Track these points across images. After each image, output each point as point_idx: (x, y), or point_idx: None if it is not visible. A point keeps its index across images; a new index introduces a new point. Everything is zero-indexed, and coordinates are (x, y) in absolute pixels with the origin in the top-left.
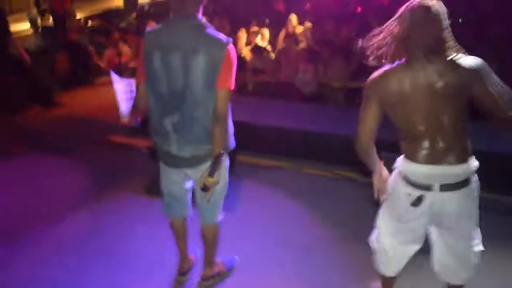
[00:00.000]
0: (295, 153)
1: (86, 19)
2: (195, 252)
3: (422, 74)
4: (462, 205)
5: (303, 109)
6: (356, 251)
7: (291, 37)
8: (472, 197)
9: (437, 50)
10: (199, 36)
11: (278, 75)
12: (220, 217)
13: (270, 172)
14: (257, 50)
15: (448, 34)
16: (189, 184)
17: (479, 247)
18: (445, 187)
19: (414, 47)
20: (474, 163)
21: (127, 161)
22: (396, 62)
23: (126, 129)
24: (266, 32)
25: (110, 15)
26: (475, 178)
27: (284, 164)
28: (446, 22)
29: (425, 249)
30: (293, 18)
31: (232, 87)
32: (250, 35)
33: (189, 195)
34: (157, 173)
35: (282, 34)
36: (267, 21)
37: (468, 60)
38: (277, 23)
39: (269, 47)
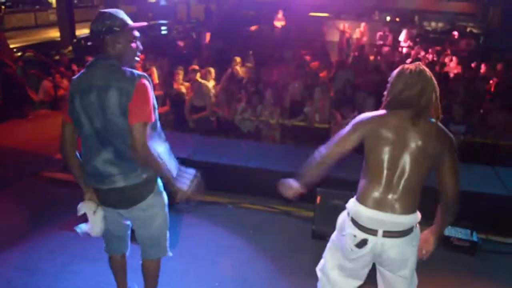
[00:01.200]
0: (234, 189)
1: (20, 50)
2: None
3: (406, 130)
4: (401, 252)
5: (241, 145)
6: (297, 282)
7: (233, 77)
8: (412, 245)
9: (423, 113)
10: (112, 74)
11: (218, 113)
12: (164, 252)
13: (209, 208)
14: (195, 86)
15: (436, 101)
16: (127, 221)
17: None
18: (387, 234)
19: (404, 105)
20: (419, 215)
21: (60, 196)
22: (390, 111)
23: (60, 164)
24: (212, 70)
25: (45, 47)
26: (417, 229)
27: (223, 199)
28: (436, 88)
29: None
30: (237, 59)
31: (150, 120)
32: (190, 73)
33: (128, 231)
34: None
35: (225, 73)
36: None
37: (447, 132)
38: (223, 63)
39: (211, 85)
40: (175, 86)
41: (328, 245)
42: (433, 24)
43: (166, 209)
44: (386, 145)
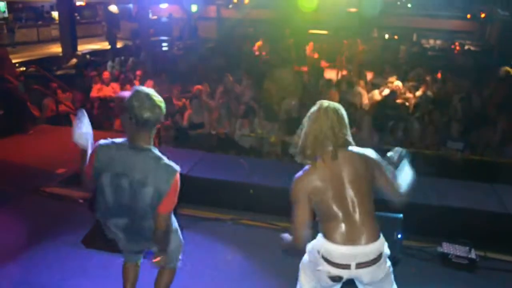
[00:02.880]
0: (235, 205)
1: (23, 65)
2: None
3: (333, 170)
4: (375, 276)
5: (241, 162)
6: None
7: (229, 93)
8: (384, 267)
9: (343, 144)
10: (149, 168)
11: (217, 129)
12: (177, 262)
13: (210, 224)
14: (193, 99)
15: (346, 130)
16: None
17: None
18: (360, 265)
19: (326, 142)
20: (383, 239)
21: (61, 212)
22: (314, 159)
23: (62, 179)
24: (207, 86)
25: (46, 62)
26: (385, 251)
27: (223, 215)
28: (345, 118)
29: None
30: (230, 76)
31: (171, 209)
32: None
33: None
34: (94, 224)
35: (220, 89)
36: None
37: (365, 150)
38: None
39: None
40: (174, 102)
41: (301, 269)
42: (431, 41)
43: (179, 233)
44: (326, 192)
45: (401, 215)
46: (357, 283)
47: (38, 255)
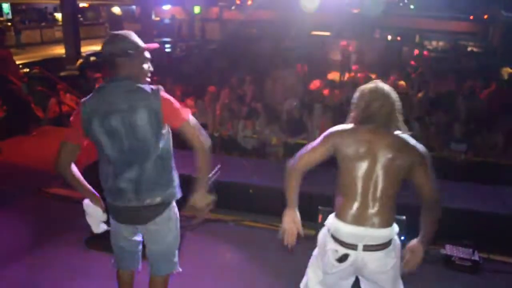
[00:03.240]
0: (236, 206)
1: (26, 66)
2: None
3: (375, 144)
4: (381, 265)
5: (243, 163)
6: None
7: (230, 94)
8: (392, 257)
9: (387, 125)
10: (134, 94)
11: (220, 130)
12: (174, 267)
13: (212, 225)
14: (199, 104)
15: (398, 114)
16: (139, 237)
17: None
18: (367, 247)
19: (368, 121)
20: (396, 228)
21: (64, 213)
22: (358, 125)
23: (62, 180)
24: (213, 88)
25: (50, 63)
26: (396, 241)
27: (225, 216)
28: (398, 103)
29: None
30: (234, 78)
31: (189, 117)
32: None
33: (140, 247)
34: None
35: (224, 91)
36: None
37: (415, 143)
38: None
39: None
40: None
41: (310, 262)
42: (434, 43)
43: (178, 225)
44: (357, 160)
45: (403, 217)
46: (361, 280)
47: (41, 255)
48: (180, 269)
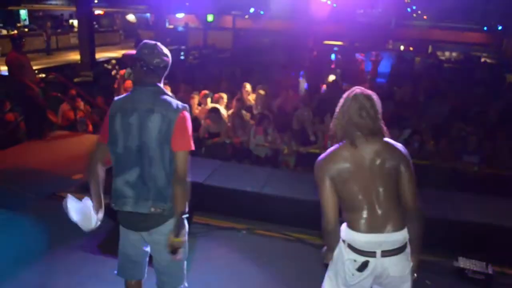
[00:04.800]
0: (248, 215)
1: (42, 71)
2: None
3: (362, 153)
4: (400, 269)
5: (256, 171)
6: None
7: (241, 101)
8: (408, 260)
9: (373, 132)
10: (156, 99)
11: (232, 138)
12: (180, 282)
13: (224, 233)
14: (212, 111)
15: (382, 120)
16: (147, 247)
17: None
18: (385, 253)
19: (355, 129)
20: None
21: None
22: (340, 143)
23: (78, 185)
24: (224, 96)
25: (65, 69)
26: (408, 244)
27: (237, 225)
28: (377, 108)
29: None
30: (247, 85)
31: (191, 148)
32: (202, 98)
33: (146, 258)
34: (111, 230)
35: (236, 98)
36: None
37: (401, 146)
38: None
39: (224, 111)
40: (192, 111)
41: (327, 275)
42: (447, 53)
43: (186, 238)
44: (352, 176)
45: None
46: None
47: (55, 260)
48: (187, 285)
